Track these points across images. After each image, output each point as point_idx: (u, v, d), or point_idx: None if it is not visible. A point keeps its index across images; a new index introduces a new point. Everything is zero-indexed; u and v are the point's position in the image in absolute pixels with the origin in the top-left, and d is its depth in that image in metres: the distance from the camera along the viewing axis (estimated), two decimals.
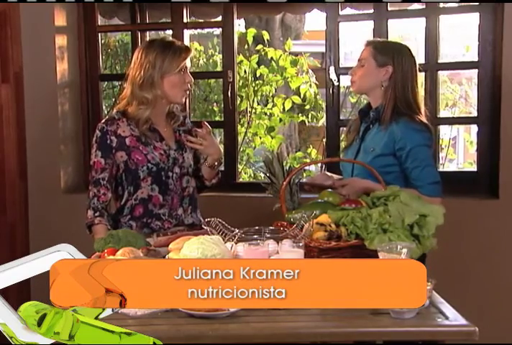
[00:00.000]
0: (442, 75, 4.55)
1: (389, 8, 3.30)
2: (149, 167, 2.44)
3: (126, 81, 2.49)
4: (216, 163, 2.55)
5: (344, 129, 3.45)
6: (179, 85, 2.44)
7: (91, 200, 2.43)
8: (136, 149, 2.44)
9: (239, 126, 4.13)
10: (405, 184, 2.37)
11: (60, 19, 3.54)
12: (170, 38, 2.71)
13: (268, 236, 1.97)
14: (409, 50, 2.48)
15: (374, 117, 2.48)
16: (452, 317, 1.65)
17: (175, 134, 2.56)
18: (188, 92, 2.51)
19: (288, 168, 2.30)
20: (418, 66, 2.47)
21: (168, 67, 2.41)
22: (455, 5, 3.25)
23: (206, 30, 7.08)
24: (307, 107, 5.63)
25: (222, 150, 3.51)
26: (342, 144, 3.53)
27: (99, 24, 3.70)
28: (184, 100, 2.53)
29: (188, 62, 2.47)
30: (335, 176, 2.51)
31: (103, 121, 2.49)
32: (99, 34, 3.70)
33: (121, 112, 2.47)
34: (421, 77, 3.18)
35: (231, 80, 3.48)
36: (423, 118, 2.43)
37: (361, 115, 2.56)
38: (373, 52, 2.45)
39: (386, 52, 2.44)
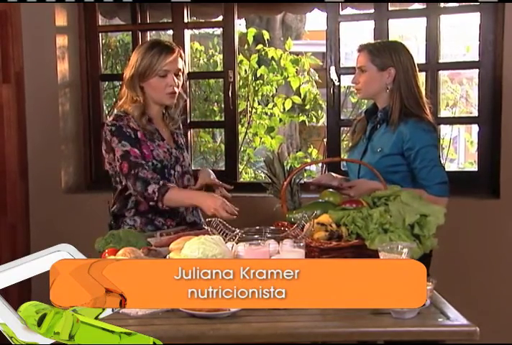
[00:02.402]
0: (443, 74, 4.55)
1: (389, 8, 3.30)
2: (154, 163, 2.45)
3: (123, 80, 2.52)
4: None
5: (345, 128, 3.45)
6: (160, 89, 2.44)
7: (151, 179, 2.34)
8: (145, 143, 2.46)
9: (239, 126, 4.13)
10: (413, 184, 2.37)
11: (61, 19, 3.54)
12: (162, 39, 2.70)
13: (269, 236, 1.97)
14: (404, 47, 2.48)
15: (381, 118, 2.48)
16: (453, 317, 1.65)
17: (172, 135, 2.60)
18: (173, 94, 2.47)
19: (288, 168, 2.30)
20: (415, 61, 2.47)
21: (147, 71, 2.42)
22: (456, 5, 3.25)
23: (206, 30, 7.08)
24: (307, 107, 5.63)
25: (223, 150, 3.52)
26: (343, 144, 3.53)
27: (100, 24, 3.70)
28: (173, 101, 2.50)
29: (179, 64, 2.46)
30: (340, 177, 2.51)
31: (110, 119, 2.49)
32: (100, 34, 3.70)
33: (122, 111, 2.50)
34: (421, 77, 3.19)
35: (231, 80, 3.47)
36: (430, 118, 2.43)
37: (367, 115, 2.56)
38: (370, 57, 2.45)
39: (383, 55, 2.43)
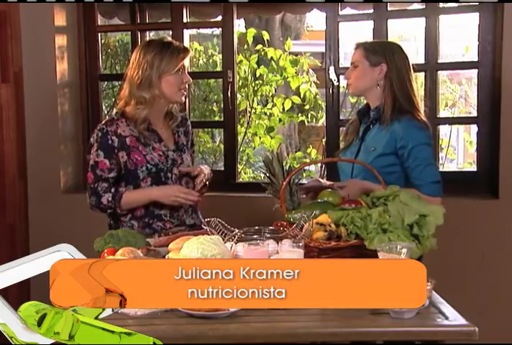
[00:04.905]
0: (442, 75, 4.55)
1: (389, 8, 3.30)
2: (149, 167, 2.44)
3: (125, 81, 2.49)
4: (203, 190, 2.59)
5: (344, 129, 3.45)
6: (177, 85, 2.45)
7: (103, 192, 2.40)
8: (135, 149, 2.44)
9: (238, 126, 4.13)
10: (406, 184, 2.36)
11: (60, 19, 3.54)
12: (169, 38, 2.71)
13: (268, 236, 1.97)
14: (400, 47, 2.48)
15: (374, 117, 2.48)
16: (452, 317, 1.65)
17: (174, 135, 2.57)
18: (186, 92, 2.53)
19: (287, 168, 2.30)
20: (411, 63, 2.47)
21: (166, 67, 2.42)
22: (455, 5, 3.25)
23: (205, 30, 7.08)
24: (307, 107, 5.63)
25: (222, 150, 3.52)
26: (342, 145, 3.53)
27: (99, 23, 3.70)
28: (183, 99, 2.54)
29: (186, 63, 2.48)
30: (328, 183, 2.49)
31: (102, 122, 2.50)
32: (99, 34, 3.70)
33: (120, 113, 2.48)
34: (420, 77, 3.19)
35: (230, 80, 3.47)
36: (423, 116, 2.43)
37: (360, 115, 2.56)
38: (364, 53, 2.45)
39: (377, 51, 2.45)
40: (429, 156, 2.41)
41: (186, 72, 2.49)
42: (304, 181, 3.18)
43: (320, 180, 2.53)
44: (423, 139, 2.38)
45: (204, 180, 2.54)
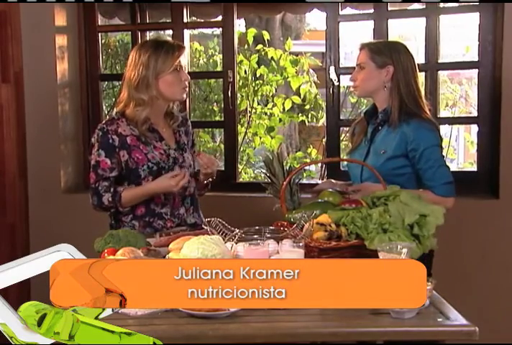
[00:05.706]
0: (442, 74, 4.55)
1: (389, 8, 3.30)
2: (150, 166, 2.44)
3: (123, 83, 2.49)
4: (207, 180, 2.58)
5: (344, 128, 3.45)
6: (175, 84, 2.44)
7: (104, 190, 2.40)
8: (136, 148, 2.45)
9: (239, 126, 4.13)
10: (418, 186, 2.36)
11: (60, 19, 3.54)
12: (164, 37, 2.71)
13: (268, 236, 1.97)
14: (405, 47, 2.47)
15: (382, 118, 2.46)
16: (452, 317, 1.65)
17: (175, 134, 2.57)
18: (186, 89, 2.51)
19: (288, 168, 2.30)
20: (416, 62, 2.47)
21: (162, 67, 2.41)
22: (455, 5, 3.25)
23: (206, 30, 7.08)
24: (307, 107, 5.63)
25: (222, 150, 3.52)
26: (342, 144, 3.53)
27: (99, 23, 3.70)
28: (185, 96, 2.53)
29: (183, 60, 2.47)
30: (340, 182, 2.49)
31: (103, 122, 2.50)
32: (99, 34, 3.70)
33: (120, 113, 2.48)
34: (421, 77, 3.19)
35: (231, 80, 3.48)
36: (431, 117, 2.43)
37: (367, 116, 2.55)
38: (370, 55, 2.44)
39: (383, 53, 2.43)
40: (440, 157, 2.40)
41: (183, 69, 2.47)
42: (304, 181, 3.19)
43: (333, 181, 2.52)
44: (433, 141, 2.37)
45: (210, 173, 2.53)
